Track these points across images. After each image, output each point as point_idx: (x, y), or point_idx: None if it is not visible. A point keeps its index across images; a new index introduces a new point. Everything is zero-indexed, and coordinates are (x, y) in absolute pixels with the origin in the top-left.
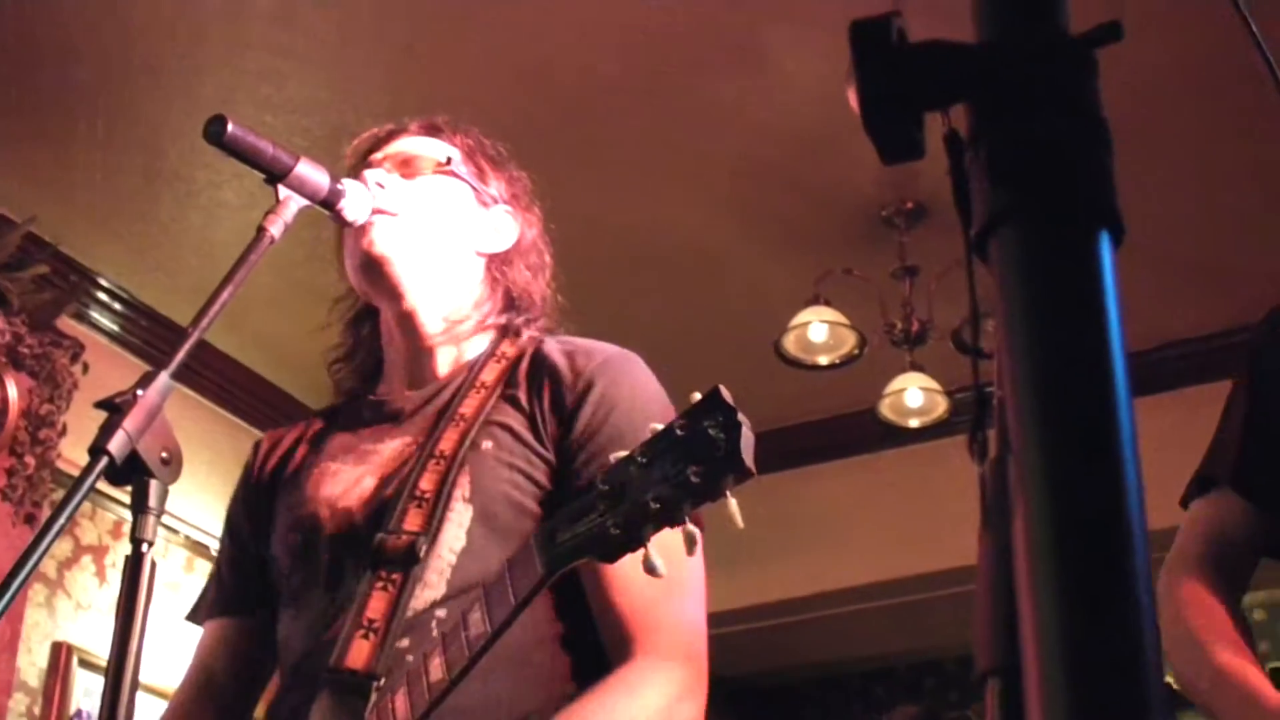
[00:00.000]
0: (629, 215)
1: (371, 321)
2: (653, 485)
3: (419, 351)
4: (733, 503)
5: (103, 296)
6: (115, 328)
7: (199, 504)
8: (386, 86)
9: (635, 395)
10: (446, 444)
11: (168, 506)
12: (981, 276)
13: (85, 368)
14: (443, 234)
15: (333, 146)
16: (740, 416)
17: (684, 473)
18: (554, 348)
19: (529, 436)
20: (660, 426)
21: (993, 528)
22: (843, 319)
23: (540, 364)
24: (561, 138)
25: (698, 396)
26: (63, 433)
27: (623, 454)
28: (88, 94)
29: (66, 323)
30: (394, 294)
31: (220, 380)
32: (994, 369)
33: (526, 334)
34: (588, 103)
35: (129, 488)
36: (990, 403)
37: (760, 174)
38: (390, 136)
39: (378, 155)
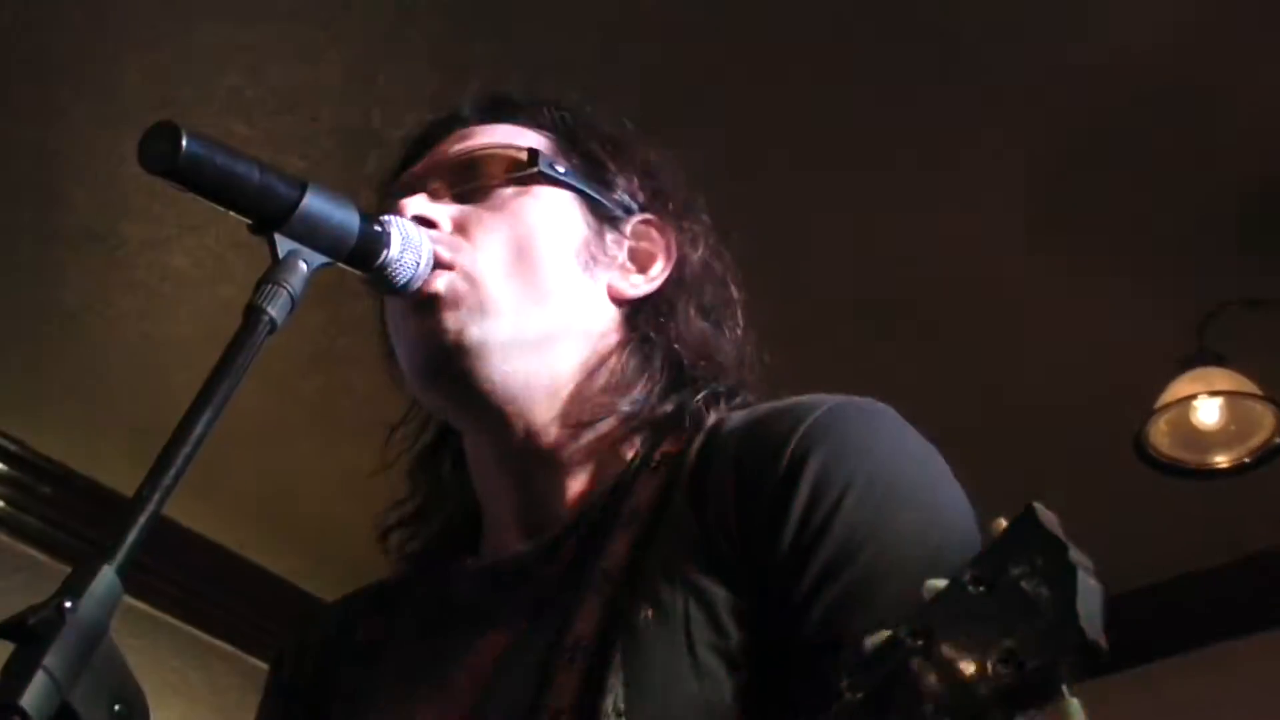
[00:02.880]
0: (873, 235)
1: (454, 451)
2: (934, 685)
3: (532, 476)
4: (1074, 704)
5: None
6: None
7: None
8: (434, 61)
9: (880, 466)
10: (584, 624)
11: None
12: None
13: None
14: (547, 285)
15: (351, 165)
16: (1074, 554)
17: (986, 660)
18: (738, 420)
19: (711, 586)
20: (939, 584)
21: None
22: (1250, 386)
23: (715, 450)
24: (740, 119)
25: (1002, 524)
26: None
27: (880, 637)
28: None
29: None
30: (485, 402)
31: (186, 578)
32: None
33: (711, 417)
34: (777, 60)
35: None
36: None
37: (1081, 156)
38: (434, 135)
39: (416, 168)
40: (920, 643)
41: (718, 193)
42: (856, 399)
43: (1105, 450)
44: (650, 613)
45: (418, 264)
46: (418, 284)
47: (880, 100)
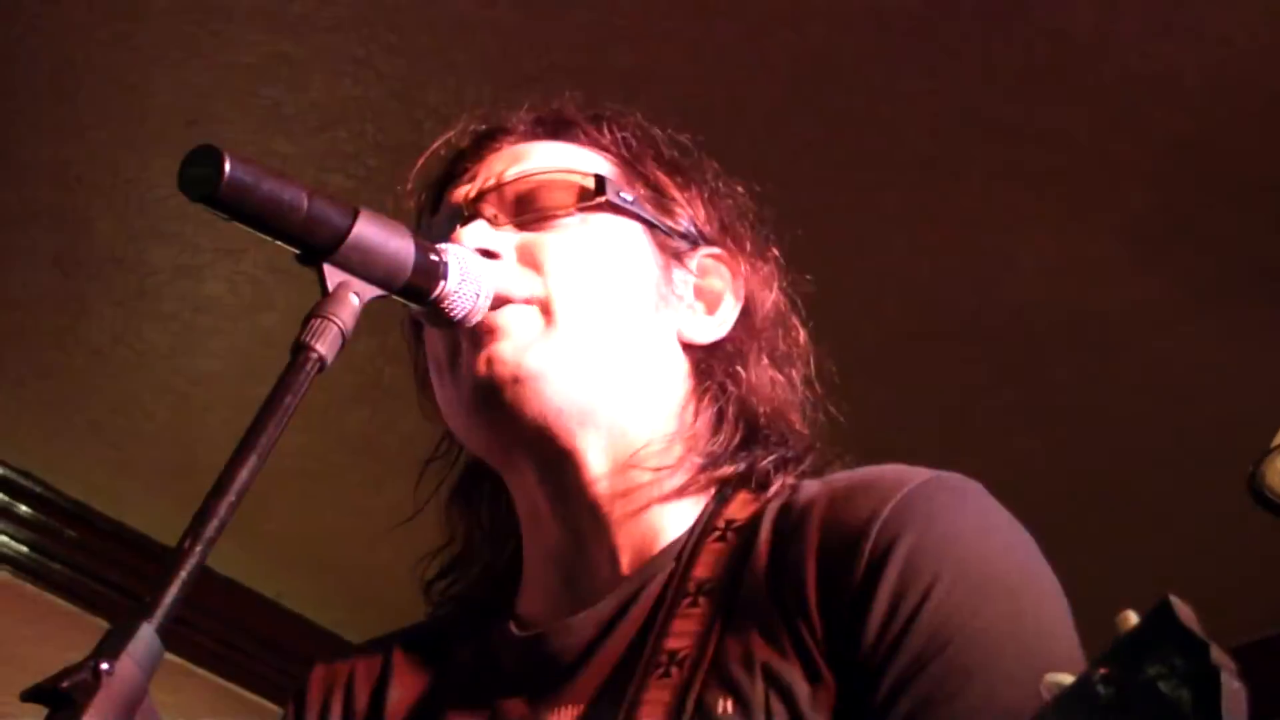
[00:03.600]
0: (966, 269)
1: (493, 491)
2: None
3: (584, 531)
4: None
5: None
6: (24, 549)
7: None
8: (488, 73)
9: (969, 553)
10: (652, 711)
11: None
12: None
13: None
14: (621, 328)
15: (400, 185)
16: (1216, 655)
17: None
18: (815, 492)
19: (791, 676)
20: (1063, 680)
21: None
22: None
23: (791, 527)
24: (828, 144)
25: (1132, 618)
26: None
27: None
28: None
29: None
30: (536, 435)
31: (221, 628)
32: None
33: (778, 482)
34: (867, 78)
35: None
36: None
37: (1192, 171)
38: (484, 148)
39: (467, 189)
40: None
41: (815, 216)
42: (942, 476)
43: (1215, 492)
44: (730, 705)
45: (477, 296)
46: (477, 318)
47: (982, 121)
